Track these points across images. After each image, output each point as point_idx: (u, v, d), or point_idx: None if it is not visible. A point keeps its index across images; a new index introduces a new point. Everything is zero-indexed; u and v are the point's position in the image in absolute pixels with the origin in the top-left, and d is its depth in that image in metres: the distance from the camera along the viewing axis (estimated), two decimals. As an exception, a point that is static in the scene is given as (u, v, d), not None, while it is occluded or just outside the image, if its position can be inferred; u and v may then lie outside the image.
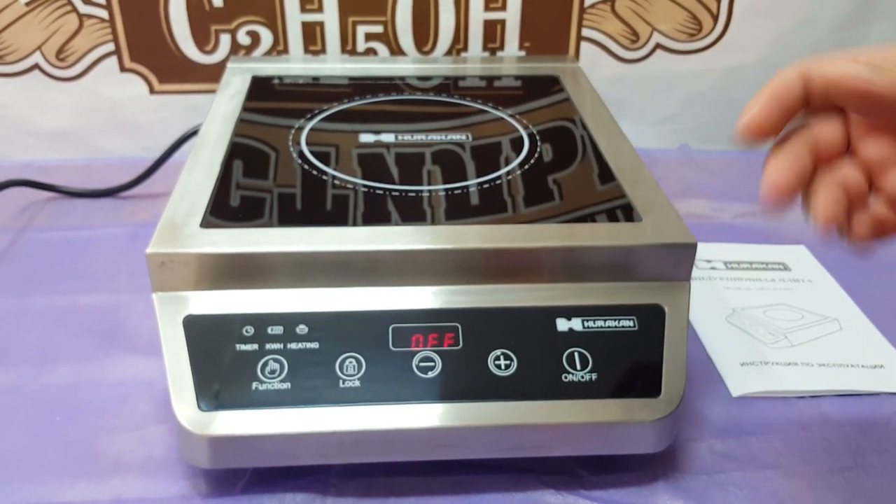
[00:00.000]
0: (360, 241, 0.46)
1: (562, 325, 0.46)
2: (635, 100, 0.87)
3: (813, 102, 0.38)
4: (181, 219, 0.47)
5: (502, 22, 0.82)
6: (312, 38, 0.81)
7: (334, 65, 0.76)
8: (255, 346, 0.44)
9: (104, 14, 0.78)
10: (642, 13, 0.83)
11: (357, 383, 0.43)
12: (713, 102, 0.88)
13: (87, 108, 0.82)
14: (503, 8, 0.81)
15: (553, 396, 0.44)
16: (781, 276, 0.66)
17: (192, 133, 0.72)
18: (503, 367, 0.44)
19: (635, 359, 0.45)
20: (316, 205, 0.50)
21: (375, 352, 0.44)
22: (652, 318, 0.46)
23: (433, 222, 0.49)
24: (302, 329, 0.44)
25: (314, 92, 0.70)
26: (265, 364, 0.43)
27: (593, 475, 0.47)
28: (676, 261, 0.47)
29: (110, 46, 0.80)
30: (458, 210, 0.50)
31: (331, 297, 0.45)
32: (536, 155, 0.57)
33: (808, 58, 0.39)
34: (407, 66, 0.76)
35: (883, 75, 0.35)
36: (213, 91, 0.69)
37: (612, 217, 0.49)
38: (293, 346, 0.44)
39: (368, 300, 0.46)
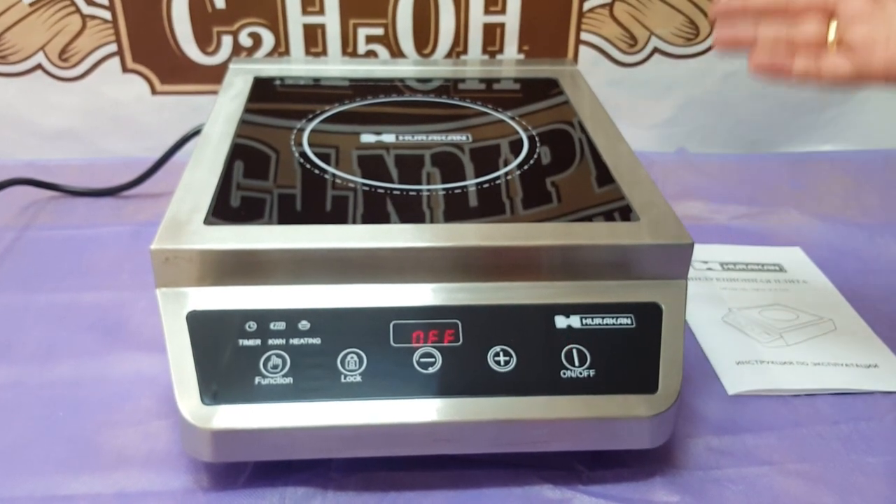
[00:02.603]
0: (362, 238, 0.46)
1: (560, 322, 0.46)
2: (633, 103, 0.88)
3: None
4: (185, 216, 0.48)
5: (502, 25, 0.82)
6: (314, 39, 0.81)
7: (335, 66, 0.77)
8: (258, 342, 0.44)
9: (107, 15, 0.78)
10: (640, 17, 0.84)
11: (358, 378, 0.44)
12: (710, 106, 0.88)
13: (89, 109, 0.83)
14: (503, 11, 0.82)
15: (551, 392, 0.44)
16: (777, 277, 0.67)
17: (194, 133, 0.72)
18: (502, 363, 0.45)
19: (632, 356, 0.46)
20: (317, 203, 0.51)
21: (376, 348, 0.45)
22: (649, 316, 0.47)
23: (432, 221, 0.49)
24: (304, 325, 0.45)
25: (315, 93, 0.70)
26: (267, 359, 0.44)
27: (591, 470, 0.48)
28: (674, 260, 0.48)
29: (113, 47, 0.80)
30: (458, 210, 0.51)
31: (332, 294, 0.46)
32: (535, 156, 0.58)
33: None
34: (407, 68, 0.77)
35: None
36: (214, 92, 0.70)
37: (610, 217, 0.50)
38: (295, 341, 0.45)
39: (370, 297, 0.46)
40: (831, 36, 0.47)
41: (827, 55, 0.47)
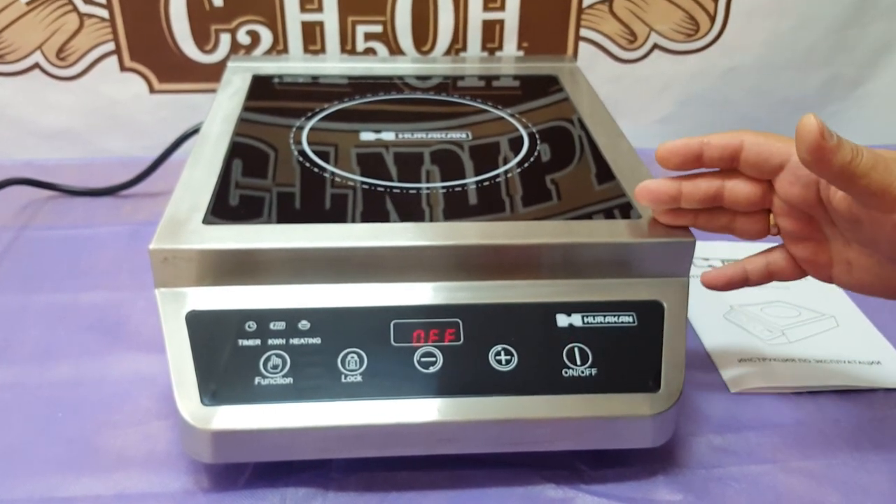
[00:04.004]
0: (361, 237, 0.46)
1: (562, 320, 0.46)
2: (633, 100, 0.87)
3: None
4: (184, 215, 0.47)
5: (501, 22, 0.82)
6: (312, 37, 0.81)
7: (334, 64, 0.77)
8: (258, 342, 0.44)
9: (104, 13, 0.78)
10: (640, 13, 0.83)
11: (359, 378, 0.44)
12: (710, 102, 0.88)
13: (87, 108, 0.82)
14: (502, 8, 0.81)
15: (553, 391, 0.44)
16: (779, 274, 0.67)
17: (192, 132, 0.72)
18: (504, 362, 0.45)
19: (634, 354, 0.46)
20: (316, 202, 0.51)
21: (377, 347, 0.45)
22: (651, 314, 0.47)
23: (432, 219, 0.49)
24: (304, 324, 0.45)
25: (314, 91, 0.70)
26: (267, 359, 0.44)
27: (593, 469, 0.47)
28: (675, 258, 0.47)
29: (110, 46, 0.80)
30: (457, 208, 0.50)
31: (332, 293, 0.46)
32: (535, 154, 0.58)
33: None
34: (406, 65, 0.77)
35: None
36: (212, 90, 0.70)
37: (611, 214, 0.50)
38: (295, 341, 0.44)
39: (370, 296, 0.46)
40: (773, 226, 0.47)
41: (776, 265, 0.48)
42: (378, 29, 0.82)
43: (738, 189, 0.45)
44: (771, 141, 0.44)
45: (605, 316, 0.46)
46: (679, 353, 0.46)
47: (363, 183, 0.53)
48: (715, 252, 0.69)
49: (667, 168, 0.46)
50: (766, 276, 0.48)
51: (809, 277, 0.61)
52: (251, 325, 0.45)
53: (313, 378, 0.43)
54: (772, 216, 0.46)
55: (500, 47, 0.84)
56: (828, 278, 0.47)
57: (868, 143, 0.93)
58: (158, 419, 0.50)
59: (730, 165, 0.45)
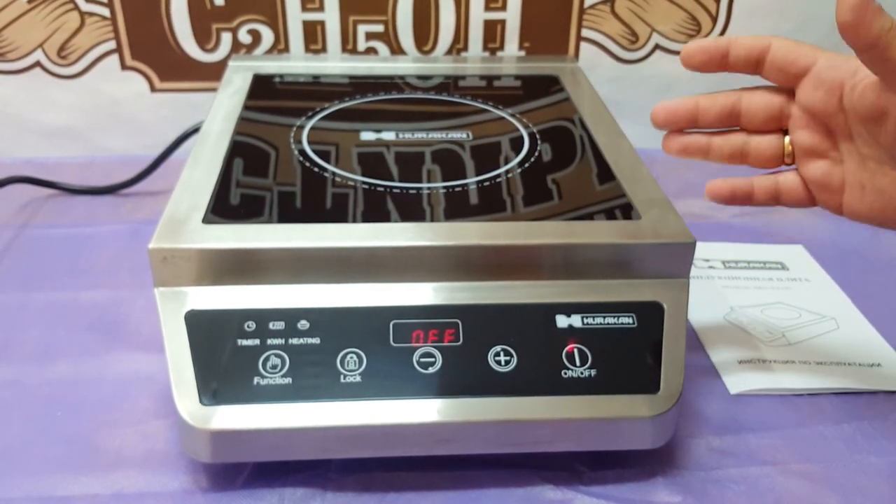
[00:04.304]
0: (361, 237, 0.46)
1: (561, 321, 0.46)
2: (634, 100, 0.87)
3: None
4: (183, 215, 0.47)
5: (502, 22, 0.82)
6: (313, 36, 0.81)
7: (335, 63, 0.77)
8: (257, 342, 0.44)
9: (106, 12, 0.78)
10: (642, 14, 0.83)
11: (358, 378, 0.44)
12: (712, 103, 0.88)
13: (88, 106, 0.82)
14: (503, 8, 0.81)
15: (552, 392, 0.44)
16: (779, 276, 0.67)
17: (193, 131, 0.72)
18: (503, 362, 0.45)
19: (634, 355, 0.45)
20: (317, 202, 0.51)
21: (376, 347, 0.44)
22: (651, 315, 0.46)
23: (433, 220, 0.49)
24: (303, 324, 0.45)
25: (315, 90, 0.70)
26: (266, 359, 0.44)
27: (592, 471, 0.47)
28: (675, 259, 0.47)
29: (111, 44, 0.80)
30: (458, 208, 0.50)
31: (332, 293, 0.46)
32: (536, 154, 0.58)
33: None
34: (407, 65, 0.77)
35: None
36: (213, 89, 0.70)
37: (611, 215, 0.50)
38: (294, 341, 0.44)
39: (369, 296, 0.46)
40: (787, 152, 0.46)
41: (785, 184, 0.47)
42: (379, 28, 0.81)
43: (757, 99, 0.44)
44: (799, 45, 0.43)
45: (604, 317, 0.46)
46: (679, 354, 0.46)
47: (364, 183, 0.53)
48: (715, 253, 0.69)
49: (690, 66, 0.45)
50: (773, 197, 0.47)
51: (812, 279, 0.61)
52: (250, 325, 0.45)
53: (312, 378, 0.43)
54: (786, 141, 0.45)
55: (502, 47, 0.83)
56: (837, 206, 0.45)
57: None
58: (157, 419, 0.50)
59: (754, 70, 0.44)
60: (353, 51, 0.82)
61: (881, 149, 0.43)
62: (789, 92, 0.44)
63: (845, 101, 0.42)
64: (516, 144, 0.59)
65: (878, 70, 0.40)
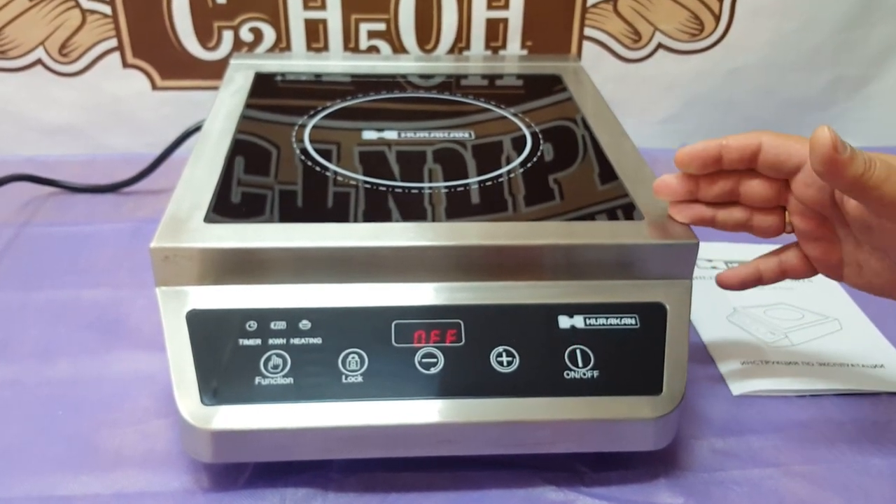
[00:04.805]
0: (363, 237, 0.46)
1: (564, 322, 0.46)
2: (637, 99, 0.87)
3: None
4: (185, 214, 0.47)
5: (505, 21, 0.82)
6: (315, 35, 0.81)
7: (337, 62, 0.76)
8: (258, 341, 0.44)
9: (107, 10, 0.78)
10: (644, 13, 0.83)
11: (359, 379, 0.43)
12: (715, 102, 0.88)
13: (89, 104, 0.82)
14: (506, 7, 0.81)
15: (555, 393, 0.44)
16: (782, 276, 0.67)
17: (195, 129, 0.72)
18: (505, 363, 0.44)
19: (637, 356, 0.45)
20: (318, 201, 0.50)
21: (378, 348, 0.44)
22: (654, 316, 0.46)
23: (434, 219, 0.49)
24: (305, 324, 0.45)
25: (317, 89, 0.70)
26: (268, 359, 0.44)
27: (594, 472, 0.47)
28: (678, 259, 0.47)
29: (113, 42, 0.80)
30: (460, 208, 0.50)
31: (334, 293, 0.46)
32: (538, 153, 0.58)
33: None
34: (409, 64, 0.76)
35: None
36: (215, 88, 0.69)
37: (614, 215, 0.50)
38: (296, 341, 0.44)
39: (371, 296, 0.46)
40: (788, 225, 0.48)
41: (789, 263, 0.48)
42: (381, 27, 0.81)
43: (755, 187, 0.46)
44: (789, 142, 0.44)
45: (607, 318, 0.46)
46: (682, 355, 0.45)
47: (365, 182, 0.53)
48: (718, 254, 0.69)
49: (687, 170, 0.46)
50: (779, 275, 0.49)
51: (815, 280, 0.61)
52: (252, 325, 0.44)
53: (314, 378, 0.43)
54: (788, 217, 0.47)
55: (504, 46, 0.83)
56: (839, 277, 0.47)
57: (872, 144, 0.94)
58: (158, 418, 0.50)
59: (748, 166, 0.45)
60: (355, 49, 0.82)
61: (873, 247, 0.45)
62: (785, 181, 0.46)
63: (836, 199, 0.44)
64: (518, 144, 0.59)
65: (861, 203, 0.41)
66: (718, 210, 0.47)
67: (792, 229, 0.47)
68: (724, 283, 0.50)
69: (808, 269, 0.48)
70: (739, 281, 0.50)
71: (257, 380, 0.43)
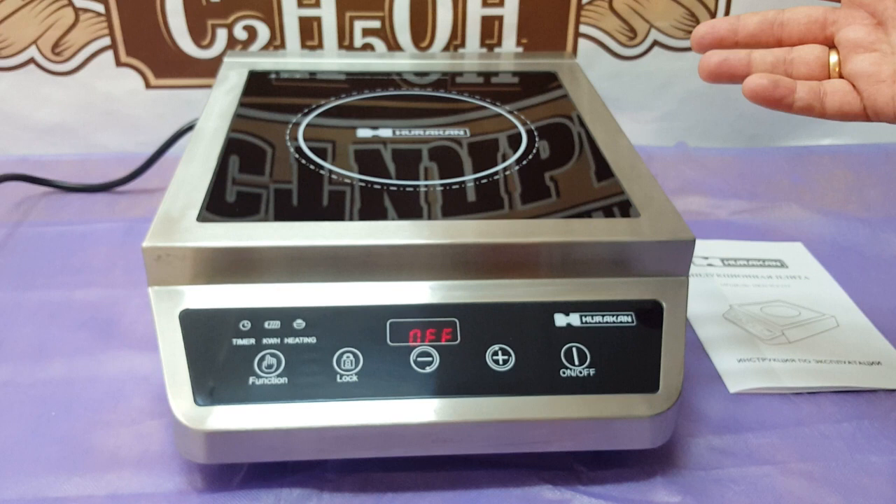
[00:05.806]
0: (358, 235, 0.45)
1: (560, 320, 0.46)
2: (633, 97, 0.87)
3: None
4: (178, 213, 0.47)
5: (500, 18, 0.82)
6: (309, 33, 0.81)
7: (331, 60, 0.76)
8: (252, 341, 0.44)
9: (100, 8, 0.78)
10: (640, 10, 0.83)
11: (354, 378, 0.43)
12: (710, 100, 0.88)
13: (82, 103, 0.82)
14: (501, 4, 0.81)
15: (551, 392, 0.44)
16: (778, 273, 0.66)
17: (188, 128, 0.71)
18: (501, 362, 0.44)
19: (633, 354, 0.45)
20: (313, 199, 0.50)
21: (373, 347, 0.44)
22: (650, 314, 0.46)
23: (430, 217, 0.48)
24: (299, 324, 0.44)
25: (311, 87, 0.69)
26: (262, 359, 0.43)
27: (591, 470, 0.47)
28: (675, 257, 0.47)
29: (106, 41, 0.79)
30: (456, 205, 0.50)
31: (328, 292, 0.45)
32: (534, 151, 0.57)
33: None
34: (404, 61, 0.76)
35: None
36: (209, 86, 0.69)
37: (610, 213, 0.49)
38: (290, 340, 0.44)
39: (366, 295, 0.45)
40: (833, 63, 0.45)
41: (831, 86, 0.44)
42: (376, 24, 0.81)
43: (798, 10, 0.45)
44: None
45: (603, 315, 0.46)
46: (678, 353, 0.45)
47: (360, 180, 0.52)
48: (715, 251, 0.69)
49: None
50: (816, 96, 0.44)
51: (811, 277, 0.61)
52: (245, 324, 0.44)
53: (308, 378, 0.43)
54: (832, 62, 0.45)
55: (500, 43, 0.83)
56: (886, 101, 0.43)
57: (868, 142, 0.93)
58: (152, 418, 0.50)
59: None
60: (350, 47, 0.82)
61: None
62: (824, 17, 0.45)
63: None
64: (514, 141, 0.59)
65: None
66: (755, 51, 0.46)
67: (838, 75, 0.44)
68: (752, 87, 0.45)
69: (851, 97, 0.44)
70: (772, 81, 0.45)
71: (251, 380, 0.43)
